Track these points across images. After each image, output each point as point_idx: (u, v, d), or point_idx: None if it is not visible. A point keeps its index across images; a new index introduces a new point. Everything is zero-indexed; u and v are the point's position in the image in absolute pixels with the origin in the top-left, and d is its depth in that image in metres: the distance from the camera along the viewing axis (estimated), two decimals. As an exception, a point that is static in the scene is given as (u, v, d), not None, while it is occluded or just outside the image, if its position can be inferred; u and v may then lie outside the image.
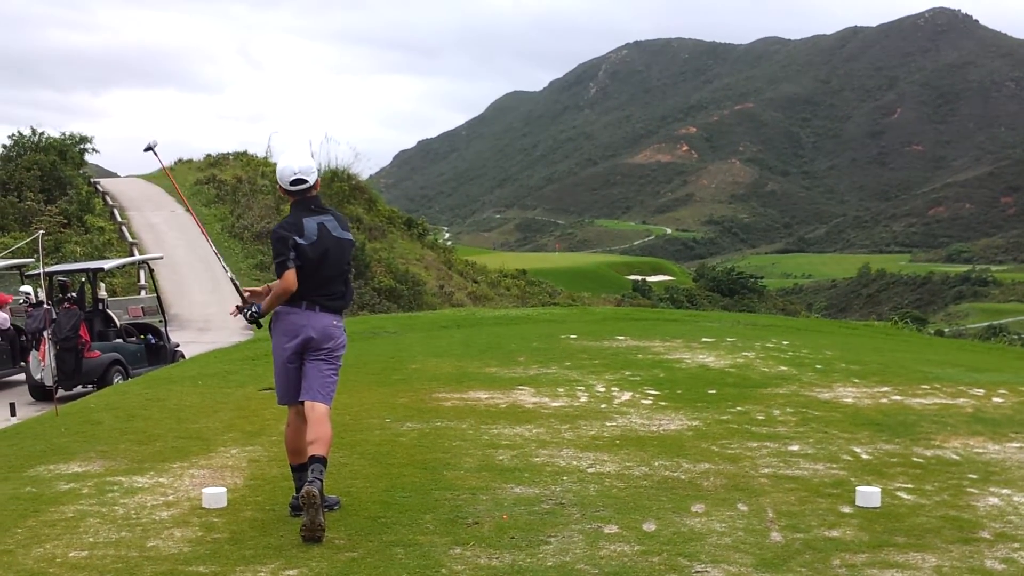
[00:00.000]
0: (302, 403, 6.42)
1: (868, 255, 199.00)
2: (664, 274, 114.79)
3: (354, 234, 7.19)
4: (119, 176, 67.08)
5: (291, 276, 6.35)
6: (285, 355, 6.46)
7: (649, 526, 6.11)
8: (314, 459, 6.10)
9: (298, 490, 6.29)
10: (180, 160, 60.94)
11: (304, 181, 6.43)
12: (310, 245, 6.34)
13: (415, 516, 6.32)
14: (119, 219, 44.94)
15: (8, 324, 19.59)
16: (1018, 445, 8.50)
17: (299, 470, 6.39)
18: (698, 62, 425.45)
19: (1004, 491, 6.97)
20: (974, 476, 7.40)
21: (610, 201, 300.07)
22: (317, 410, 6.32)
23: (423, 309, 37.35)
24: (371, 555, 5.57)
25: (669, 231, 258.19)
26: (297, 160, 6.45)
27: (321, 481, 5.98)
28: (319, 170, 7.38)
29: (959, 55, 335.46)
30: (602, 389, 11.47)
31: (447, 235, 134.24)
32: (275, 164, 56.24)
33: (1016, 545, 5.76)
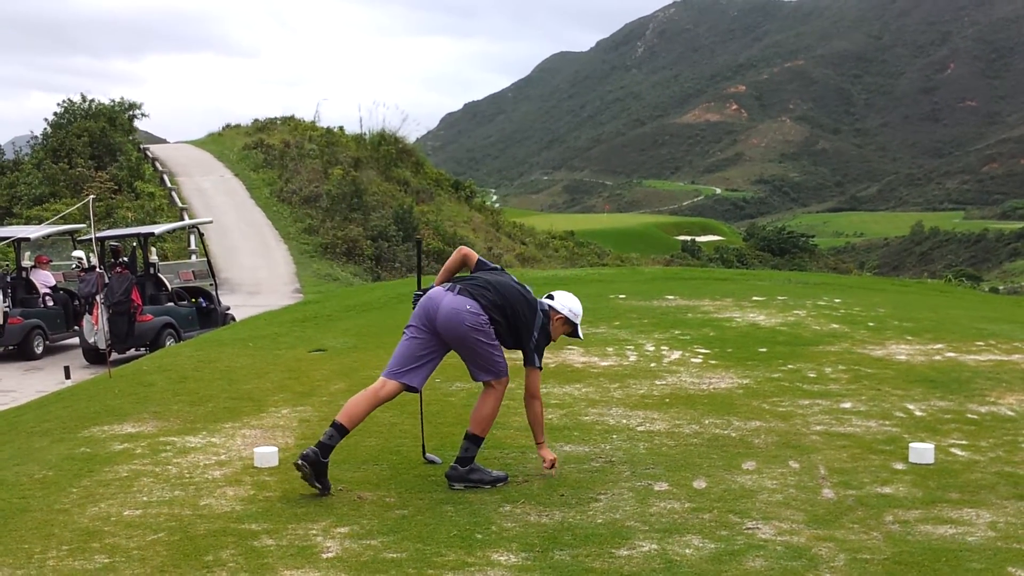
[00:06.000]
0: (400, 384, 6.12)
1: (921, 213, 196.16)
2: (714, 234, 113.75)
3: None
4: (168, 142, 67.63)
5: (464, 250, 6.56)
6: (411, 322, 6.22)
7: (699, 483, 6.08)
8: (465, 436, 6.25)
9: (319, 446, 5.95)
10: (228, 125, 61.41)
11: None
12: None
13: (465, 474, 6.32)
14: (169, 184, 45.34)
15: (53, 282, 19.86)
16: (1075, 401, 8.37)
17: (339, 431, 6.01)
18: (747, 19, 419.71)
19: (1061, 447, 6.87)
20: (1030, 432, 7.30)
21: (658, 161, 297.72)
22: (484, 388, 6.26)
23: (471, 271, 37.35)
24: (421, 513, 5.59)
25: (718, 191, 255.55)
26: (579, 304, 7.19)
27: (466, 459, 6.13)
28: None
29: (1014, 8, 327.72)
30: (651, 348, 11.44)
31: (495, 197, 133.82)
32: (322, 128, 56.46)
33: (1074, 501, 5.67)
